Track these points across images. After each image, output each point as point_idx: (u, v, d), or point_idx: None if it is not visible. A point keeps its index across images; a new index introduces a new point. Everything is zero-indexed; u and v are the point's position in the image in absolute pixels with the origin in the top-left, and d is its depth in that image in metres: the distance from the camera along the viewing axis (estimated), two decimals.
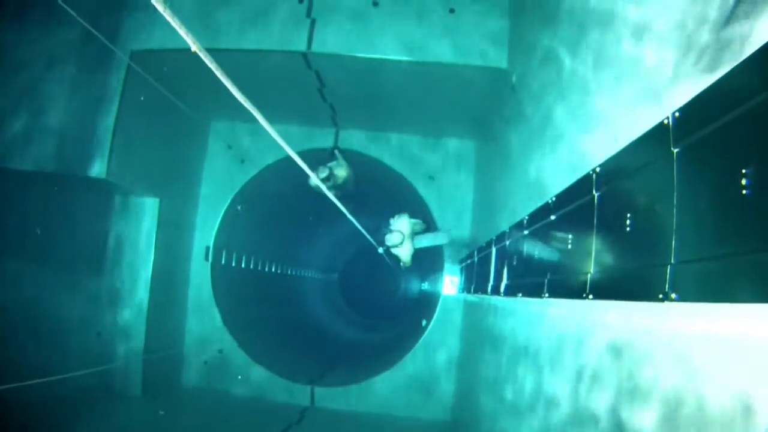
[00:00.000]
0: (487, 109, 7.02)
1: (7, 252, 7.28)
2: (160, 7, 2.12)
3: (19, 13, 6.79)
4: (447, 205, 8.90)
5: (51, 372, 6.28)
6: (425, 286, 13.39)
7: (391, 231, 7.48)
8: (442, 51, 6.45)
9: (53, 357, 6.91)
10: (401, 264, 8.03)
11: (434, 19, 6.50)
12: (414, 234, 7.89)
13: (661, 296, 1.82)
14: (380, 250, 7.92)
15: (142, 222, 7.61)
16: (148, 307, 7.53)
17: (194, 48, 2.44)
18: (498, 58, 6.34)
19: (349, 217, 6.09)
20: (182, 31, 2.27)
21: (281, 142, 3.63)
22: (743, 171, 1.43)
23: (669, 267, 1.78)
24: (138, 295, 7.55)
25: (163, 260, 7.79)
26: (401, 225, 7.59)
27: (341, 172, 6.90)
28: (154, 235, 7.60)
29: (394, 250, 7.62)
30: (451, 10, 6.50)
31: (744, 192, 1.43)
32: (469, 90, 7.06)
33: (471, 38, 6.44)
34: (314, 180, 5.25)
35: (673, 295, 1.76)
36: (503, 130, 6.31)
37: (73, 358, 6.96)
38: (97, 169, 6.50)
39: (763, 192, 1.37)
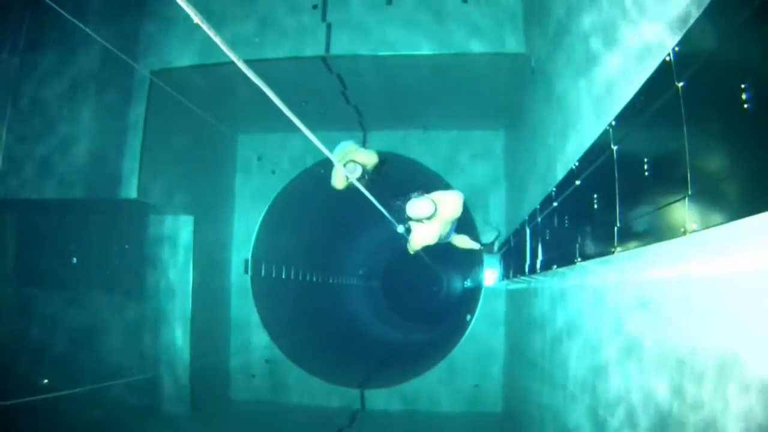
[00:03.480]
0: (511, 95, 7.01)
1: (46, 281, 7.40)
2: (197, 20, 2.21)
3: (38, 36, 6.94)
4: (480, 196, 8.87)
5: (96, 400, 6.45)
6: (466, 281, 13.35)
7: (416, 197, 5.50)
8: (459, 42, 6.49)
9: (96, 374, 6.98)
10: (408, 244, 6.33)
11: (448, 11, 6.54)
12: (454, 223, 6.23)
13: (683, 230, 1.84)
14: (400, 229, 6.14)
15: (178, 240, 7.64)
16: (191, 324, 7.55)
17: (234, 58, 2.51)
18: (516, 44, 6.35)
19: (370, 197, 5.36)
20: (221, 44, 2.35)
21: (319, 144, 3.69)
22: (742, 86, 1.46)
23: (687, 198, 1.80)
24: (180, 313, 7.56)
25: (202, 276, 7.84)
26: (444, 200, 5.66)
27: (368, 159, 6.17)
28: (192, 253, 7.63)
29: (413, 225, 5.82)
30: (464, 0, 6.54)
31: (745, 107, 1.45)
32: (490, 78, 7.07)
33: (487, 26, 6.46)
34: (351, 179, 5.31)
35: (694, 226, 1.77)
36: (527, 114, 6.33)
37: (116, 376, 7.06)
38: (128, 190, 6.61)
39: (762, 101, 1.39)
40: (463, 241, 6.99)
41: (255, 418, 8.53)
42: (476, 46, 6.45)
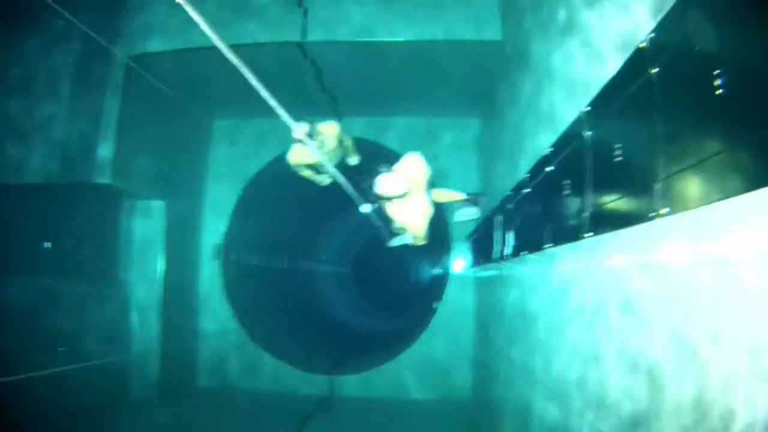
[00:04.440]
0: (486, 83, 7.03)
1: (20, 265, 7.22)
2: (181, 1, 2.18)
3: (14, 19, 6.76)
4: (454, 184, 8.90)
5: (66, 381, 6.34)
6: (436, 269, 13.44)
7: (385, 172, 4.68)
8: (436, 29, 6.47)
9: (68, 362, 6.93)
10: (408, 238, 5.59)
11: None
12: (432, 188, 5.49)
13: (653, 214, 1.87)
14: (365, 208, 5.53)
15: (151, 225, 7.61)
16: (161, 309, 7.54)
17: (216, 41, 2.50)
18: (491, 31, 6.36)
19: (333, 171, 5.19)
20: (205, 27, 2.33)
21: (282, 112, 3.66)
22: (715, 72, 1.49)
23: (659, 183, 1.84)
24: (151, 298, 7.55)
25: (173, 261, 7.82)
26: (407, 167, 4.91)
27: (329, 130, 5.54)
28: (163, 238, 7.62)
29: (394, 210, 4.96)
30: None
31: (719, 92, 1.48)
32: (465, 66, 7.07)
33: (464, 13, 6.45)
34: (296, 134, 4.69)
35: (665, 210, 1.81)
36: (502, 101, 6.36)
37: (86, 359, 6.93)
38: (103, 174, 6.55)
39: (736, 84, 1.42)
40: (444, 195, 6.46)
41: (223, 404, 8.49)
42: (451, 33, 6.44)
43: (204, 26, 2.33)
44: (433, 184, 5.54)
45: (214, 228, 9.15)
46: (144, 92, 6.84)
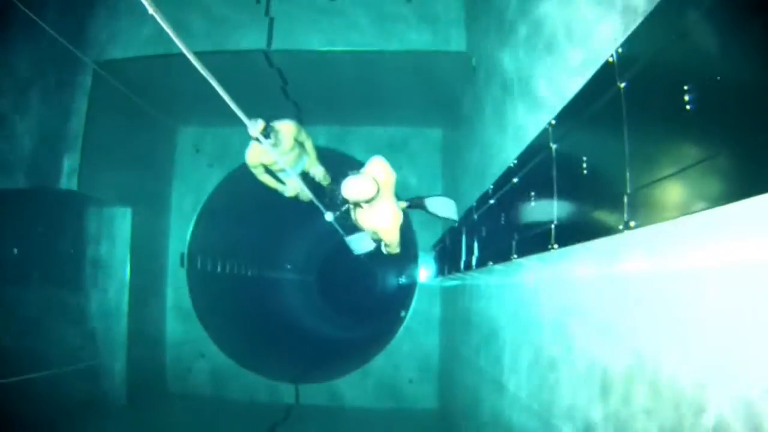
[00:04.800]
0: (451, 93, 7.06)
1: None
2: (151, 10, 2.14)
3: None
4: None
5: (32, 389, 6.21)
6: (401, 278, 13.42)
7: (351, 175, 4.40)
8: (401, 39, 6.47)
9: (33, 363, 6.74)
10: (381, 245, 5.51)
11: (391, 9, 6.51)
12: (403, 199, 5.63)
13: (621, 227, 1.87)
14: (329, 217, 5.29)
15: (116, 232, 7.58)
16: (127, 317, 7.50)
17: (184, 50, 2.45)
18: (457, 42, 6.39)
19: (292, 173, 5.13)
20: (172, 34, 2.29)
21: (239, 111, 3.59)
22: (685, 87, 1.49)
23: (625, 197, 1.84)
24: (117, 305, 7.52)
25: (139, 269, 7.76)
26: (374, 170, 4.63)
27: (285, 128, 5.37)
28: (129, 245, 7.58)
29: (362, 216, 4.74)
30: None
31: (688, 107, 1.48)
32: (431, 76, 7.07)
33: (429, 25, 6.47)
34: (252, 131, 4.56)
35: (632, 223, 1.81)
36: (466, 112, 6.39)
37: (53, 366, 6.83)
38: (69, 181, 6.45)
39: (706, 102, 1.42)
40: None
41: (191, 412, 8.36)
42: (418, 44, 6.45)
43: (171, 33, 2.28)
44: (398, 195, 5.43)
45: (180, 235, 9.03)
46: (110, 98, 6.81)
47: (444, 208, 6.38)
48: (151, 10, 2.15)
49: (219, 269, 10.11)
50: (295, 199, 6.23)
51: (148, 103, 7.73)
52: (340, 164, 5.92)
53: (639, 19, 1.87)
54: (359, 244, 6.36)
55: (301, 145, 5.76)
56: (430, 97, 7.68)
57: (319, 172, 6.25)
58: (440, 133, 8.89)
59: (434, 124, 8.80)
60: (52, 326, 7.01)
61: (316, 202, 5.31)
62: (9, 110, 6.52)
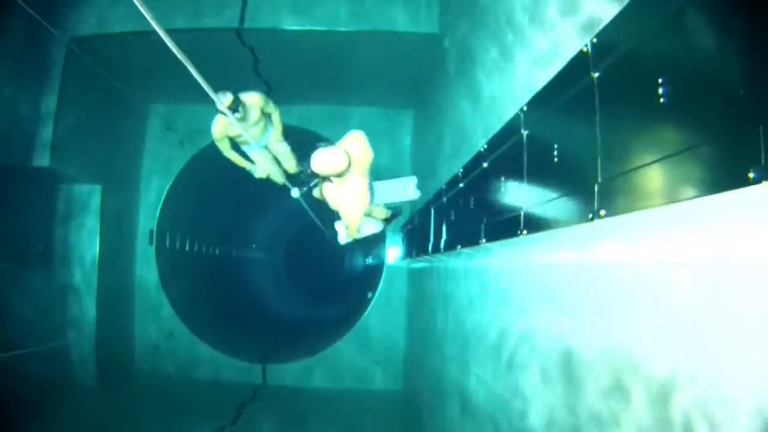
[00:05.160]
0: (422, 75, 7.06)
1: None
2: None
3: None
4: (386, 174, 8.90)
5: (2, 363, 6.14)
6: (369, 258, 13.45)
7: (323, 146, 4.13)
8: (373, 20, 6.44)
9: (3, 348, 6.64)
10: (341, 230, 5.35)
11: None
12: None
13: (591, 215, 1.89)
14: (295, 193, 5.14)
15: (86, 209, 7.54)
16: (96, 294, 7.47)
17: (157, 28, 2.37)
18: (429, 24, 6.37)
19: (256, 147, 4.95)
20: (145, 12, 2.21)
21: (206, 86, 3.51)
22: (659, 81, 1.50)
23: (596, 186, 1.85)
24: (85, 282, 7.48)
25: (108, 246, 7.73)
26: (349, 145, 4.31)
27: (252, 100, 5.19)
28: (98, 222, 7.55)
29: (328, 191, 4.38)
30: None
31: (661, 100, 1.49)
32: (403, 58, 7.07)
33: (401, 6, 6.44)
34: (220, 105, 4.42)
35: (602, 212, 1.83)
36: (438, 94, 6.37)
37: (22, 345, 6.74)
38: (41, 158, 6.43)
39: (679, 97, 1.43)
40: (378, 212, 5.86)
41: (159, 392, 8.33)
42: (390, 25, 6.43)
43: (142, 8, 2.20)
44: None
45: (149, 213, 8.96)
46: (83, 75, 6.78)
47: (396, 191, 5.72)
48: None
49: (188, 248, 10.05)
50: (267, 180, 6.10)
51: (120, 81, 7.67)
52: (311, 144, 5.71)
53: (614, 11, 1.87)
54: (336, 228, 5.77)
55: (267, 117, 5.58)
56: (402, 78, 7.66)
57: (282, 149, 5.91)
58: (411, 114, 8.86)
59: (406, 104, 8.76)
60: (17, 305, 6.90)
61: (281, 178, 5.10)
62: None
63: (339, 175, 4.11)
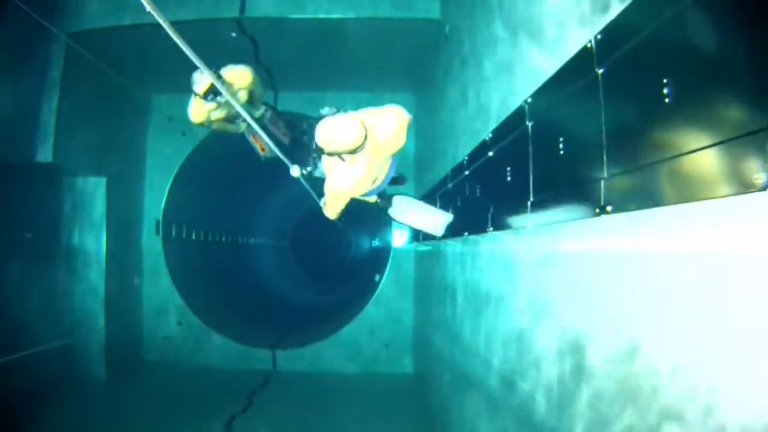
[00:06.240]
0: (424, 60, 7.02)
1: None
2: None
3: None
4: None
5: (8, 369, 6.13)
6: (375, 241, 13.49)
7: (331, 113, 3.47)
8: (374, 6, 6.39)
9: (11, 343, 6.69)
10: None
11: None
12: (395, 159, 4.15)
13: (597, 210, 1.91)
14: (295, 172, 4.21)
15: (92, 202, 7.58)
16: (104, 287, 7.51)
17: (161, 21, 2.25)
18: (430, 9, 6.33)
19: (248, 119, 3.45)
20: (148, 4, 2.15)
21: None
22: (664, 81, 1.50)
23: (602, 181, 1.87)
24: (93, 276, 7.52)
25: (115, 238, 7.75)
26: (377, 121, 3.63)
27: (239, 78, 4.49)
28: (105, 215, 7.57)
29: (330, 166, 3.75)
30: None
31: (666, 100, 1.50)
32: (404, 43, 7.01)
33: None
34: (197, 87, 4.06)
35: (609, 208, 1.85)
36: (440, 80, 6.34)
37: (30, 341, 6.80)
38: (44, 153, 6.44)
39: (684, 98, 1.44)
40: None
41: (168, 381, 8.35)
42: (390, 11, 6.38)
43: (152, 9, 2.17)
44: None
45: (155, 204, 8.98)
46: (83, 70, 6.74)
47: (425, 220, 4.82)
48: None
49: (194, 236, 10.08)
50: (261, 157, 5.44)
51: (121, 74, 7.64)
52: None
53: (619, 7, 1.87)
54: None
55: (253, 95, 4.87)
56: (404, 62, 7.61)
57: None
58: (413, 98, 8.82)
59: (407, 89, 8.72)
60: (26, 303, 6.95)
61: (279, 153, 4.14)
62: None
63: (351, 152, 3.33)
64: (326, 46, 7.25)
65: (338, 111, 3.39)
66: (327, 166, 3.72)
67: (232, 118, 4.90)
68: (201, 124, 4.79)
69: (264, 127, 4.86)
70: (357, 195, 3.83)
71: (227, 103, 4.33)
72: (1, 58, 6.37)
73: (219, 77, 4.13)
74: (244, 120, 4.02)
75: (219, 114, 4.62)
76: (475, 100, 4.37)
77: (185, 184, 9.22)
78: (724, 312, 1.49)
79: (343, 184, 3.59)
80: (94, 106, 7.31)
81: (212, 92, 4.13)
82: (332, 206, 3.93)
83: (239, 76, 4.50)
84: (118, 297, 7.95)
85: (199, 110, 4.56)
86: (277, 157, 4.69)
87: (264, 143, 4.37)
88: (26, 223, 7.18)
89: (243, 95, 4.62)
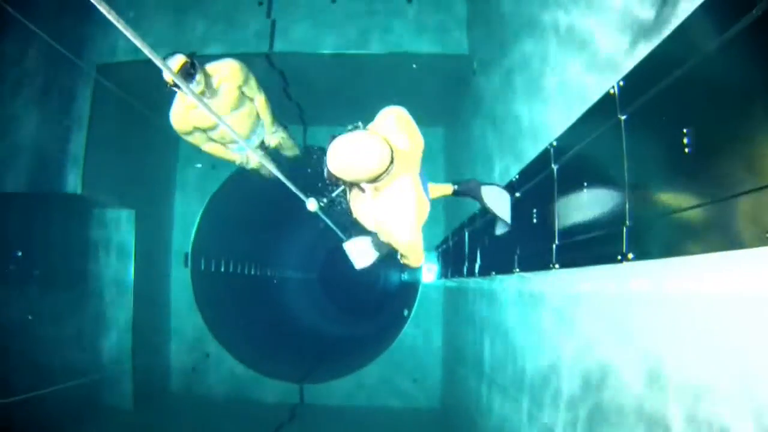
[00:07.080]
0: (452, 95, 7.10)
1: None
2: (112, 19, 2.00)
3: None
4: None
5: (37, 404, 6.21)
6: (404, 276, 13.45)
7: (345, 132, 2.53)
8: (402, 41, 6.51)
9: (40, 375, 6.75)
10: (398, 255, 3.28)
11: (393, 9, 6.56)
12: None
13: (619, 257, 1.90)
14: (311, 206, 3.48)
15: (120, 234, 7.62)
16: (132, 318, 7.53)
17: (157, 62, 2.10)
18: (458, 45, 6.43)
19: (245, 145, 3.16)
20: (139, 42, 2.15)
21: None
22: (684, 131, 1.51)
23: (624, 228, 1.87)
24: (121, 307, 7.54)
25: (143, 271, 7.80)
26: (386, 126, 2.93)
27: (224, 72, 4.12)
28: (133, 247, 7.60)
29: (359, 207, 2.85)
30: (409, 0, 6.56)
31: (686, 150, 1.51)
32: (432, 78, 7.10)
33: (431, 26, 6.51)
34: (167, 74, 3.26)
35: (630, 255, 1.84)
36: (467, 115, 6.41)
37: (60, 375, 6.85)
38: (72, 184, 6.51)
39: (703, 148, 1.45)
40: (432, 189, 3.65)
41: (196, 413, 8.41)
42: (420, 47, 6.50)
43: (134, 38, 2.07)
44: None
45: (183, 236, 9.09)
46: (111, 103, 6.85)
47: (499, 203, 3.75)
48: (113, 20, 1.86)
49: (222, 269, 10.16)
50: (259, 176, 5.28)
51: (148, 107, 7.75)
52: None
53: (644, 51, 1.89)
54: (359, 252, 4.07)
55: (251, 101, 4.38)
56: (432, 97, 7.67)
57: (276, 140, 4.68)
58: (441, 132, 8.89)
59: (435, 123, 8.80)
60: (55, 340, 7.02)
61: (288, 184, 3.28)
62: (12, 117, 6.57)
63: (375, 179, 2.47)
64: (355, 80, 7.38)
65: (355, 127, 2.54)
66: (365, 214, 2.81)
67: (224, 142, 4.45)
68: (187, 134, 4.55)
69: (266, 149, 4.63)
70: (425, 217, 2.93)
71: (215, 100, 4.00)
72: (31, 91, 6.56)
73: (192, 62, 3.83)
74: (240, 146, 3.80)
75: (202, 120, 4.26)
76: (501, 136, 4.41)
77: (215, 216, 9.33)
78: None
79: (405, 218, 2.65)
80: (123, 138, 7.41)
81: (183, 74, 3.78)
82: (413, 252, 2.95)
83: (222, 66, 4.13)
84: (146, 329, 7.98)
85: (182, 112, 4.31)
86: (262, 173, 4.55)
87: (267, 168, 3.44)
88: (55, 255, 7.26)
89: (233, 93, 4.27)
